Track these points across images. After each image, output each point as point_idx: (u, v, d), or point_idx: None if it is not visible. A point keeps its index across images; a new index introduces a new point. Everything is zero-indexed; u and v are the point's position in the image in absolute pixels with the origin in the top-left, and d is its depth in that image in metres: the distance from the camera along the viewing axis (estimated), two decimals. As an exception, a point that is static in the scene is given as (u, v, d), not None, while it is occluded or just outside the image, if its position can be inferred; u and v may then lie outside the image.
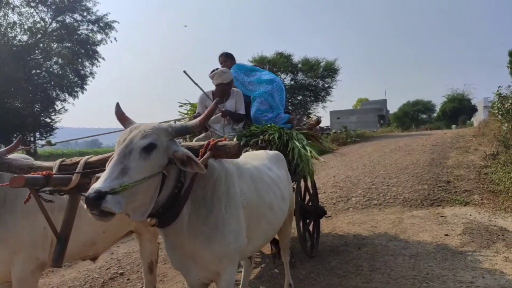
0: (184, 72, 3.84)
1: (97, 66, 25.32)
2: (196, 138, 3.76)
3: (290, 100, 23.10)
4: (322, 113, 27.54)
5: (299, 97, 24.28)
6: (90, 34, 24.87)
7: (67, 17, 23.81)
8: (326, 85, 24.47)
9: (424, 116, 50.25)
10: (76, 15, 24.02)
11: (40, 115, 23.70)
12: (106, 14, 24.80)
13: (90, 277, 4.23)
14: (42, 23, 23.24)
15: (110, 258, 4.84)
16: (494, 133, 11.57)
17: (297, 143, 3.68)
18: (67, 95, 24.48)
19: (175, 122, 2.03)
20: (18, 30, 22.51)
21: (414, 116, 48.64)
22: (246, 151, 3.30)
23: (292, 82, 23.61)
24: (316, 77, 23.79)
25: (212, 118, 3.68)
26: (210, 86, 4.06)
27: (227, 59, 4.49)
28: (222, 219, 1.90)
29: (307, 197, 4.49)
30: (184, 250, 1.90)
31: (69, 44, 24.18)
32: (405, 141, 16.74)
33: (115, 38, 25.40)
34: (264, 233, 2.39)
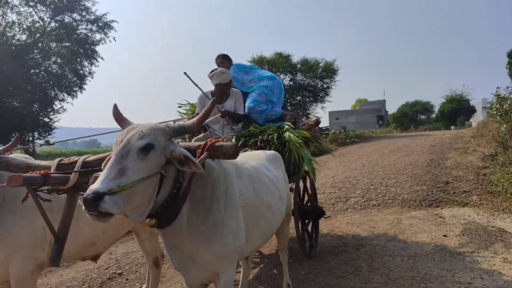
0: (185, 73, 3.85)
1: (96, 66, 25.29)
2: (195, 138, 3.76)
3: (289, 101, 23.09)
4: (321, 113, 27.59)
5: (298, 98, 24.27)
6: (89, 34, 24.83)
7: (66, 16, 23.76)
8: (325, 86, 24.47)
9: (423, 116, 50.32)
10: (75, 15, 23.97)
11: (39, 114, 23.64)
12: (105, 14, 24.78)
13: (88, 277, 4.22)
14: (41, 23, 23.19)
15: (109, 258, 4.83)
16: (493, 134, 11.60)
17: (297, 144, 3.68)
18: (66, 94, 24.43)
19: (174, 122, 2.03)
20: (17, 29, 22.46)
21: (413, 116, 48.70)
22: (245, 151, 3.30)
23: (291, 83, 23.61)
24: (315, 78, 23.78)
25: (212, 118, 3.69)
26: (210, 87, 4.07)
27: (224, 60, 4.49)
28: (221, 219, 1.90)
29: (306, 198, 4.49)
30: (183, 250, 1.89)
31: (68, 44, 24.13)
32: (404, 142, 16.76)
33: (114, 38, 25.36)
34: (263, 233, 2.40)
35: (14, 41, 22.18)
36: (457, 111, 42.74)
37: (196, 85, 3.89)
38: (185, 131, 1.76)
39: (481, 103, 33.54)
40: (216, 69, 3.97)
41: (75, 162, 1.84)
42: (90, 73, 25.21)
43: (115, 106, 1.89)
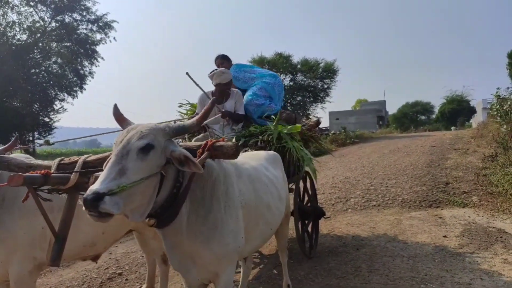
0: (187, 74, 3.86)
1: (96, 66, 25.31)
2: (195, 138, 3.76)
3: (289, 101, 23.12)
4: (321, 114, 27.62)
5: (298, 98, 24.30)
6: (90, 34, 24.85)
7: (66, 16, 23.77)
8: (325, 86, 24.51)
9: (423, 117, 50.32)
10: (75, 15, 23.98)
11: (39, 114, 23.65)
12: (106, 14, 24.79)
13: (88, 277, 4.22)
14: (42, 23, 23.20)
15: (109, 258, 4.83)
16: (493, 135, 11.60)
17: (294, 143, 3.68)
18: (66, 94, 24.45)
19: (174, 122, 2.03)
20: (17, 29, 22.48)
21: (413, 117, 48.70)
22: (245, 151, 3.30)
23: (291, 83, 23.64)
24: (315, 78, 23.81)
25: (212, 118, 3.69)
26: (211, 87, 4.07)
27: (223, 61, 4.49)
28: (221, 219, 1.90)
29: (306, 198, 4.49)
30: (183, 250, 1.89)
31: (68, 44, 24.14)
32: (404, 142, 16.77)
33: (114, 38, 25.38)
34: (262, 233, 2.40)
35: (15, 41, 22.19)
36: (457, 111, 42.74)
37: (197, 85, 3.90)
38: (185, 131, 1.76)
39: (481, 104, 33.55)
40: (216, 69, 3.97)
41: (76, 162, 1.84)
42: (90, 73, 25.25)
43: (115, 106, 1.89)
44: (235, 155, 1.71)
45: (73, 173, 1.76)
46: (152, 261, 3.58)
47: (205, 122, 1.85)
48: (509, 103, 11.43)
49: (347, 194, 7.73)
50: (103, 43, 25.24)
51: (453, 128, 33.55)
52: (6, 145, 2.32)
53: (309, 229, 4.45)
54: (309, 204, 4.49)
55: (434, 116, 49.19)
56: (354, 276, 3.74)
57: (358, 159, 12.76)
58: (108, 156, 1.66)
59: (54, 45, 23.89)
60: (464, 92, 45.48)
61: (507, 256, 4.06)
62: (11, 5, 21.93)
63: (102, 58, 25.46)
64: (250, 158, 2.64)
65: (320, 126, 5.67)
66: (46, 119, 24.08)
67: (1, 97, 20.53)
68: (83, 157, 1.87)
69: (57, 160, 1.91)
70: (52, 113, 24.21)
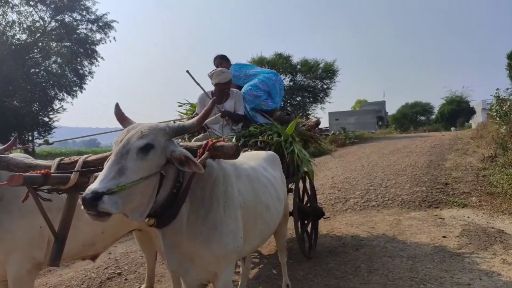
0: (187, 72, 3.85)
1: (96, 66, 25.29)
2: (194, 139, 3.76)
3: (289, 101, 23.13)
4: (320, 114, 27.60)
5: (298, 98, 24.31)
6: (89, 34, 24.83)
7: (66, 16, 23.76)
8: (325, 86, 24.52)
9: (422, 118, 50.32)
10: (75, 15, 23.97)
11: (39, 114, 23.63)
12: (106, 14, 24.78)
13: (87, 277, 4.22)
14: (41, 22, 23.18)
15: (108, 258, 4.83)
16: (492, 135, 11.60)
17: (297, 145, 3.68)
18: (65, 94, 24.44)
19: (174, 122, 2.03)
20: (17, 29, 22.46)
21: (412, 118, 48.70)
22: (245, 151, 3.30)
23: (291, 83, 23.64)
24: (315, 78, 23.83)
25: (212, 118, 3.69)
26: (210, 87, 4.07)
27: (222, 61, 4.47)
28: (220, 219, 1.90)
29: (306, 198, 4.49)
30: (182, 250, 1.89)
31: (68, 43, 24.13)
32: (403, 143, 16.78)
33: (114, 38, 25.37)
34: (261, 234, 2.40)
35: (14, 40, 22.18)
36: (456, 112, 42.76)
37: (197, 83, 3.90)
38: (185, 131, 1.76)
39: (480, 105, 33.59)
40: (216, 69, 3.97)
41: (76, 161, 1.84)
42: (90, 72, 25.24)
43: (117, 105, 1.89)
44: (235, 155, 1.71)
45: (73, 173, 1.76)
46: (151, 260, 3.58)
47: (205, 122, 1.85)
48: (508, 103, 11.44)
49: (347, 195, 7.73)
50: (103, 43, 25.26)
51: (452, 128, 33.56)
52: (5, 145, 2.32)
53: (309, 229, 4.45)
54: (308, 204, 4.49)
55: (433, 116, 49.20)
56: (354, 276, 3.74)
57: (357, 160, 12.76)
58: (108, 156, 1.66)
59: (54, 44, 23.87)
60: (463, 93, 45.55)
61: (506, 257, 4.07)
62: (11, 4, 21.92)
63: (102, 58, 25.48)
64: (249, 159, 2.64)
65: (320, 126, 5.67)
66: (46, 119, 24.07)
67: (1, 96, 20.52)
68: (83, 157, 1.87)
69: (57, 160, 1.90)
70: (51, 113, 24.21)
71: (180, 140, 3.29)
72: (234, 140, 3.47)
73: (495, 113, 12.04)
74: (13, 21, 22.10)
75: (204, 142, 1.76)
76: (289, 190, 4.14)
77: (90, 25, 24.60)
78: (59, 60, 23.73)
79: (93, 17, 24.43)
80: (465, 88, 63.21)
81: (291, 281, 3.44)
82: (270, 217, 2.46)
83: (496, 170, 7.81)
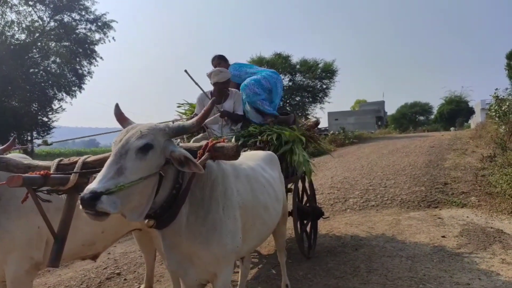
0: (185, 71, 3.84)
1: (95, 66, 25.24)
2: (194, 139, 3.76)
3: (288, 101, 23.12)
4: (320, 114, 27.62)
5: (297, 98, 24.30)
6: (88, 33, 24.76)
7: (65, 16, 23.71)
8: (324, 86, 24.51)
9: (421, 118, 50.35)
10: (74, 14, 23.91)
11: (38, 114, 23.58)
12: (105, 14, 24.73)
13: (87, 277, 4.22)
14: (40, 22, 23.14)
15: (107, 258, 4.83)
16: (491, 135, 11.63)
17: (298, 146, 3.68)
18: (64, 94, 24.38)
19: (173, 122, 2.03)
20: (16, 28, 22.41)
21: (411, 118, 48.73)
22: (244, 151, 3.30)
23: (290, 83, 23.63)
24: (314, 78, 23.81)
25: (211, 118, 3.69)
26: (210, 87, 4.07)
27: (220, 61, 4.44)
28: (220, 220, 1.90)
29: (305, 198, 4.49)
30: (182, 251, 1.89)
31: (67, 43, 24.08)
32: (402, 143, 16.79)
33: (113, 38, 25.33)
34: (259, 234, 2.40)
35: (13, 40, 22.14)
36: (456, 112, 42.81)
37: (196, 83, 3.89)
38: (185, 131, 1.75)
39: (479, 105, 33.65)
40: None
41: (75, 162, 1.83)
42: (89, 72, 25.18)
43: (117, 106, 1.89)
44: (235, 156, 1.71)
45: (73, 173, 1.76)
46: (150, 261, 3.57)
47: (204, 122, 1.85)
48: (507, 103, 11.45)
49: (346, 194, 7.73)
50: (102, 43, 25.21)
51: (452, 128, 33.61)
52: (4, 146, 2.31)
53: (308, 229, 4.45)
54: (307, 204, 4.49)
55: (432, 116, 49.25)
56: (353, 276, 3.74)
57: (357, 160, 12.77)
58: (108, 157, 1.66)
59: (53, 44, 23.83)
60: (462, 93, 45.61)
61: (505, 256, 4.07)
62: (9, 4, 21.88)
63: (101, 57, 25.42)
64: (247, 158, 2.63)
65: (319, 126, 5.66)
66: (45, 119, 24.03)
67: (0, 96, 20.49)
68: (82, 158, 1.86)
69: (56, 160, 1.90)
70: (50, 113, 24.16)
71: (179, 140, 3.29)
72: (233, 140, 3.47)
73: (494, 113, 12.04)
74: (12, 21, 22.07)
75: (204, 142, 1.75)
76: (288, 190, 4.15)
77: (89, 25, 24.56)
78: (58, 60, 23.68)
79: (92, 17, 24.39)
80: (464, 88, 63.41)
81: (290, 281, 3.44)
82: (269, 217, 2.46)
83: (495, 170, 7.82)
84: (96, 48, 25.08)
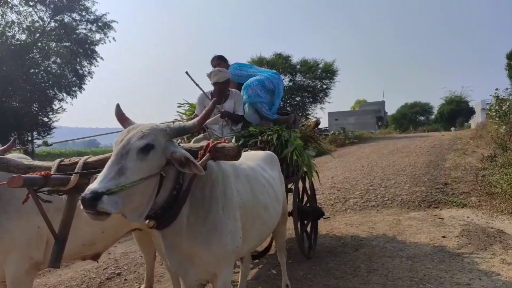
0: (186, 73, 3.84)
1: (95, 66, 25.31)
2: (194, 139, 3.76)
3: (288, 101, 23.12)
4: (320, 114, 27.61)
5: (298, 98, 24.30)
6: (89, 34, 24.83)
7: (65, 16, 23.75)
8: (325, 86, 24.51)
9: (422, 118, 50.32)
10: (74, 15, 23.97)
11: (38, 114, 23.62)
12: (105, 14, 24.80)
13: (87, 277, 4.22)
14: (41, 22, 23.18)
15: (108, 258, 4.83)
16: (492, 135, 11.62)
17: (299, 143, 3.69)
18: (65, 94, 24.44)
19: (173, 123, 2.03)
20: (17, 29, 22.47)
21: (412, 118, 48.71)
22: (244, 151, 3.30)
23: (290, 83, 23.63)
24: (314, 78, 23.82)
25: (211, 119, 3.69)
26: (210, 87, 4.07)
27: (220, 61, 4.43)
28: (220, 220, 1.90)
29: (305, 198, 4.49)
30: (182, 251, 1.89)
31: (67, 44, 24.12)
32: (403, 143, 16.79)
33: (113, 38, 25.38)
34: (259, 234, 2.41)
35: (14, 40, 22.17)
36: (456, 112, 42.79)
37: (197, 84, 3.89)
38: (186, 132, 1.76)
39: (480, 105, 33.61)
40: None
41: (76, 163, 1.83)
42: (89, 73, 25.25)
43: (117, 106, 1.89)
44: (236, 156, 1.71)
45: (73, 174, 1.76)
46: (150, 261, 3.58)
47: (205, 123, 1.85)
48: (508, 103, 11.45)
49: (346, 195, 7.73)
50: (102, 43, 25.27)
51: (452, 128, 33.59)
52: (4, 146, 2.31)
53: (308, 229, 4.45)
54: (308, 204, 4.49)
55: (433, 116, 49.22)
56: (353, 276, 3.74)
57: (357, 160, 12.77)
58: (108, 157, 1.66)
59: (53, 45, 23.87)
60: (463, 93, 45.58)
61: (505, 257, 4.07)
62: (10, 4, 21.91)
63: (102, 58, 25.47)
64: (247, 159, 2.63)
65: (320, 126, 5.66)
66: (45, 119, 24.07)
67: (0, 97, 20.51)
68: (83, 158, 1.86)
69: (57, 161, 1.90)
70: (51, 113, 24.20)
71: (179, 140, 3.30)
72: (233, 140, 3.47)
73: (494, 113, 12.04)
74: (13, 21, 22.12)
75: (205, 143, 1.75)
76: (288, 190, 4.15)
77: (89, 25, 24.62)
78: (58, 60, 23.73)
79: (92, 17, 24.44)
80: (464, 88, 63.29)
81: (290, 281, 3.44)
82: (269, 217, 2.46)
83: (496, 170, 7.81)
84: (97, 48, 25.17)
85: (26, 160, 2.05)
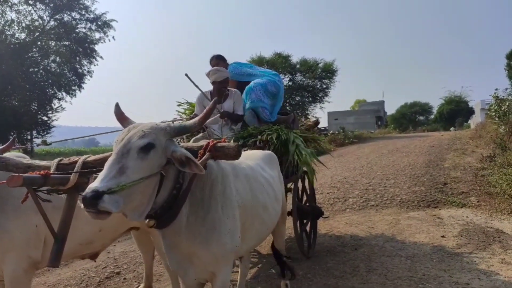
0: (186, 75, 3.84)
1: (95, 65, 25.24)
2: (194, 138, 3.76)
3: (288, 101, 23.09)
4: (320, 114, 27.59)
5: (297, 98, 24.27)
6: (88, 33, 24.76)
7: (65, 15, 23.69)
8: (324, 86, 24.47)
9: (421, 118, 50.36)
10: (74, 14, 23.90)
11: (37, 113, 23.57)
12: (105, 13, 24.75)
13: (86, 276, 4.22)
14: (40, 21, 23.13)
15: (107, 257, 4.83)
16: (491, 135, 11.63)
17: (298, 143, 3.68)
18: (64, 93, 24.37)
19: (173, 122, 2.03)
20: (16, 28, 22.40)
21: (411, 117, 48.74)
22: (244, 151, 3.30)
23: (290, 83, 23.60)
24: (314, 78, 23.78)
25: (211, 119, 3.69)
26: (210, 87, 4.07)
27: (218, 61, 4.42)
28: (219, 219, 1.90)
29: (305, 198, 4.50)
30: (181, 250, 1.89)
31: (67, 43, 24.07)
32: (402, 143, 16.80)
33: (113, 37, 25.32)
34: (258, 233, 2.40)
35: (13, 39, 22.13)
36: (455, 112, 42.82)
37: (196, 86, 3.89)
38: (187, 131, 1.75)
39: (479, 105, 33.67)
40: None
41: (75, 162, 1.83)
42: (89, 72, 25.18)
43: (117, 105, 1.88)
44: (236, 156, 1.71)
45: (73, 173, 1.76)
46: (148, 260, 3.58)
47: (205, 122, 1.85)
48: (507, 104, 11.46)
49: (346, 194, 7.74)
50: (102, 42, 25.20)
51: (452, 128, 33.61)
52: (3, 146, 2.31)
53: (308, 228, 4.46)
54: (307, 204, 4.50)
55: (432, 116, 49.26)
56: (352, 276, 3.75)
57: (356, 159, 12.77)
58: (108, 156, 1.66)
59: (53, 43, 23.82)
60: (462, 93, 45.62)
61: (504, 256, 4.08)
62: (9, 3, 21.86)
63: (101, 57, 25.41)
64: (247, 158, 2.63)
65: (319, 126, 5.66)
66: (45, 118, 24.01)
67: (0, 95, 20.49)
68: (82, 158, 1.86)
69: (56, 160, 1.90)
70: (50, 112, 24.14)
71: (178, 140, 3.29)
72: (233, 140, 3.47)
73: (494, 113, 12.05)
74: (12, 20, 22.05)
75: (205, 142, 1.75)
76: (288, 190, 4.15)
77: (89, 24, 24.54)
78: (58, 59, 23.67)
79: (92, 16, 24.38)
80: (464, 88, 63.44)
81: (289, 281, 3.44)
82: (268, 216, 2.46)
83: (495, 170, 7.82)
84: (96, 47, 25.09)
85: (25, 159, 2.05)
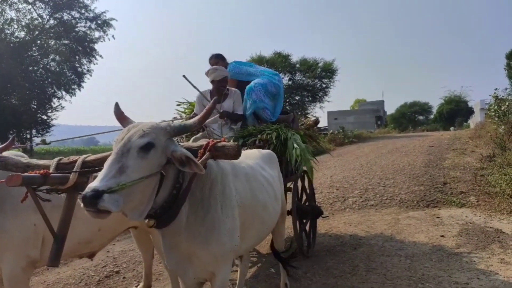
0: (184, 76, 3.83)
1: (94, 64, 25.27)
2: (193, 138, 3.75)
3: (288, 100, 23.09)
4: (319, 113, 27.57)
5: (297, 97, 24.26)
6: (88, 32, 24.78)
7: (64, 14, 23.70)
8: (324, 86, 24.46)
9: (421, 117, 50.40)
10: (74, 12, 23.92)
11: (37, 112, 23.58)
12: (104, 12, 24.75)
13: (85, 275, 4.22)
14: (40, 20, 23.12)
15: (106, 256, 4.83)
16: (491, 135, 11.64)
17: (298, 143, 3.68)
18: (64, 92, 24.40)
19: (172, 122, 2.03)
20: (16, 26, 22.41)
21: (411, 117, 48.78)
22: (244, 150, 3.30)
23: (290, 82, 23.59)
24: (314, 78, 23.77)
25: (211, 119, 3.68)
26: (210, 87, 4.06)
27: (218, 60, 4.40)
28: (218, 219, 1.90)
29: (304, 197, 4.50)
30: (181, 250, 1.89)
31: (66, 41, 24.07)
32: (402, 142, 16.81)
33: (113, 36, 25.34)
34: (258, 232, 2.41)
35: (13, 38, 22.11)
36: (455, 112, 42.86)
37: (195, 87, 3.88)
38: (187, 131, 1.75)
39: (479, 104, 33.69)
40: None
41: (75, 161, 1.83)
42: (88, 71, 25.20)
43: (116, 105, 1.88)
44: (236, 155, 1.70)
45: (72, 173, 1.75)
46: (148, 259, 3.58)
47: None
48: (507, 103, 11.47)
49: (345, 194, 7.74)
50: (101, 41, 25.22)
51: (451, 128, 33.63)
52: (3, 145, 2.31)
53: (307, 228, 4.46)
54: (307, 203, 4.50)
55: (432, 116, 49.29)
56: (352, 275, 3.75)
57: (356, 159, 12.78)
58: (107, 156, 1.66)
59: (52, 42, 23.82)
60: (462, 93, 45.66)
61: (504, 256, 4.08)
62: (9, 2, 21.84)
63: (101, 56, 25.42)
64: (246, 157, 2.63)
65: (319, 125, 5.66)
66: (44, 117, 24.03)
67: (-1, 94, 20.48)
68: (82, 157, 1.86)
69: (55, 159, 1.89)
70: (50, 111, 24.16)
71: (178, 139, 3.29)
72: (232, 140, 3.47)
73: (493, 113, 12.06)
74: (12, 19, 22.06)
75: (205, 142, 1.75)
76: (288, 189, 4.15)
77: (88, 23, 24.57)
78: (57, 58, 23.68)
79: (91, 15, 24.38)
80: (463, 88, 63.50)
81: (289, 280, 3.44)
82: (268, 216, 2.46)
83: (494, 170, 7.83)
84: (96, 46, 25.12)
85: (25, 159, 2.05)
